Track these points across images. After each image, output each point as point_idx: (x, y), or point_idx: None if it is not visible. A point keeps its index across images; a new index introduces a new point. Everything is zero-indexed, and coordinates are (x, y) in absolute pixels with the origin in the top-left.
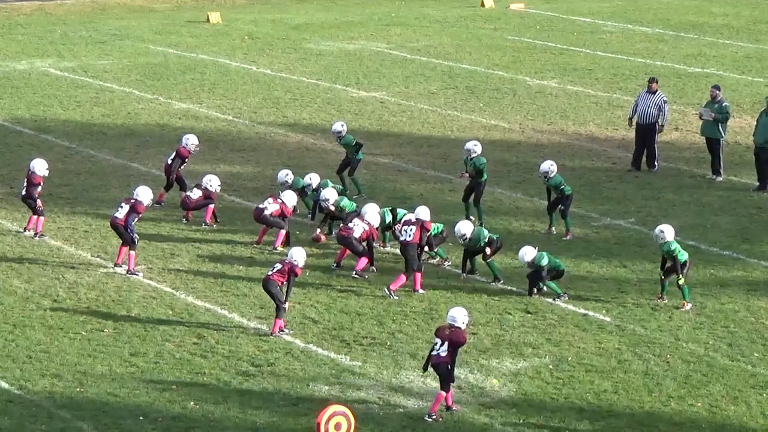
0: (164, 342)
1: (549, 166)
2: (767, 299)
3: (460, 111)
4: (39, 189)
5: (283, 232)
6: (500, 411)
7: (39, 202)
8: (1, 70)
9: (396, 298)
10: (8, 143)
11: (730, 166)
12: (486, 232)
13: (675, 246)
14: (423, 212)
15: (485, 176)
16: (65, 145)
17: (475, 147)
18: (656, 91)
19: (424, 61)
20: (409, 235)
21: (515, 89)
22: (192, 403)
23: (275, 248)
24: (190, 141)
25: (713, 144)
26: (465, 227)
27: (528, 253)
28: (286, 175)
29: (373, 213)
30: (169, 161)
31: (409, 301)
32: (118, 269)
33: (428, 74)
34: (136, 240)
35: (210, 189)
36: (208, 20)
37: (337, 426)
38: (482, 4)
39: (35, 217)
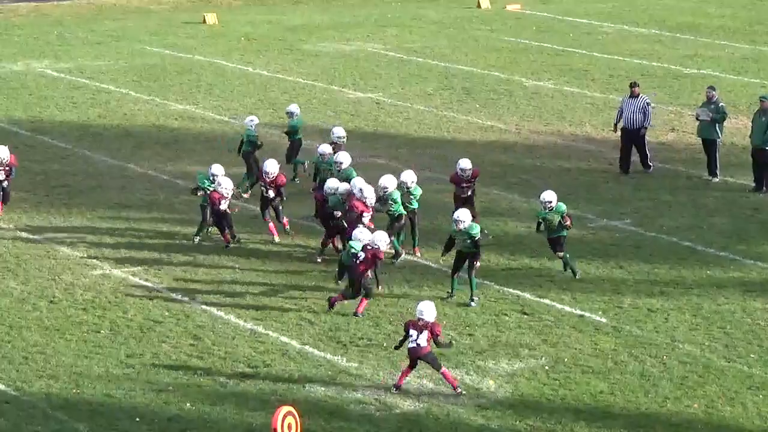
0: (160, 343)
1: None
2: (763, 300)
3: (456, 112)
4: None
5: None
6: (496, 412)
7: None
8: None
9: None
10: (5, 144)
11: (726, 167)
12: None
13: (477, 229)
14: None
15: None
16: (61, 146)
17: (293, 109)
18: (638, 95)
19: (420, 62)
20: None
21: (511, 90)
22: (188, 404)
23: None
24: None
25: (710, 145)
26: (387, 181)
27: (550, 196)
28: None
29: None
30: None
31: (405, 302)
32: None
33: (424, 75)
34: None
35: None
36: (204, 21)
37: (289, 426)
38: (478, 5)
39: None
